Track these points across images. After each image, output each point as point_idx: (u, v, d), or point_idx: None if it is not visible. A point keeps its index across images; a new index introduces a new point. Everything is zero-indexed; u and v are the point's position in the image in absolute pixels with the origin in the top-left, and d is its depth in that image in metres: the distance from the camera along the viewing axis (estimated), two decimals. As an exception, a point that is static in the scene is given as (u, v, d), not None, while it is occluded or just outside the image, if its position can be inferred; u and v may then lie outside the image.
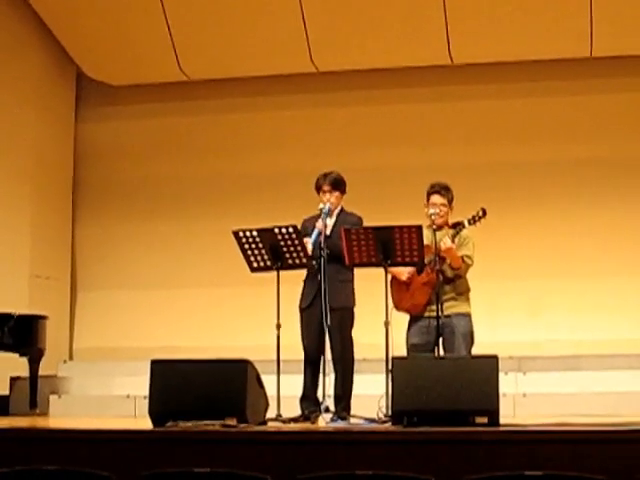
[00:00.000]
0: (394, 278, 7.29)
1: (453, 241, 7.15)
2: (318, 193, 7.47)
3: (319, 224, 7.28)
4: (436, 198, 7.32)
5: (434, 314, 7.11)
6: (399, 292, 7.30)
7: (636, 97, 10.38)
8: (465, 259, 7.22)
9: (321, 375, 7.28)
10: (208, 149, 11.24)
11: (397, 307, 7.24)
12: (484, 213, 7.14)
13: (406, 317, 7.38)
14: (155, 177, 11.30)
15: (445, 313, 7.10)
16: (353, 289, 7.38)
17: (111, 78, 11.32)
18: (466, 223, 7.18)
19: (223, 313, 10.74)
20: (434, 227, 7.11)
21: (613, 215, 10.28)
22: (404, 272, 7.28)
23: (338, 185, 7.45)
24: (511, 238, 10.23)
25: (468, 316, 7.28)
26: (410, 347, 7.25)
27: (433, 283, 7.15)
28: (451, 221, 7.40)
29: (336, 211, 7.44)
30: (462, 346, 7.15)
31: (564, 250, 10.28)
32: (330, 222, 7.37)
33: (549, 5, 9.78)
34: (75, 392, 10.30)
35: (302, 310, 7.39)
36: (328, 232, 7.29)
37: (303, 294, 7.40)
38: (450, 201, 7.36)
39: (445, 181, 7.45)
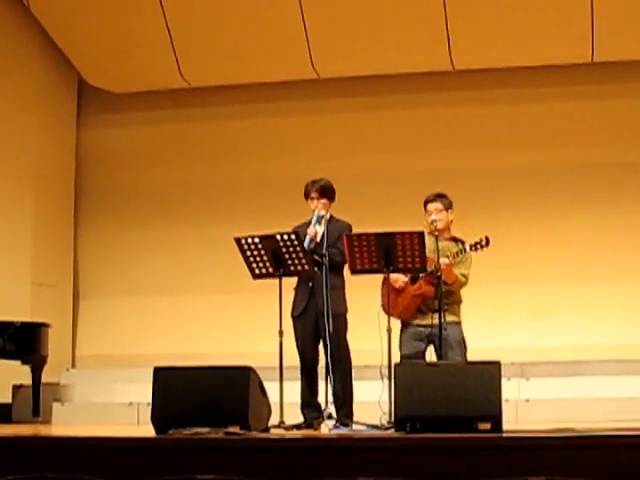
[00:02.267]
0: (386, 281, 7.27)
1: (457, 255, 7.17)
2: (307, 200, 7.50)
3: (310, 230, 7.30)
4: (431, 205, 7.38)
5: (423, 322, 7.18)
6: (391, 296, 7.27)
7: (638, 103, 10.38)
8: (459, 277, 7.24)
9: (322, 382, 7.29)
10: (210, 156, 11.25)
11: (386, 311, 7.22)
12: (487, 242, 7.10)
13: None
14: (157, 184, 11.30)
15: (436, 322, 7.09)
16: (345, 295, 7.38)
17: (112, 85, 11.33)
18: (467, 248, 7.18)
19: (225, 320, 10.74)
20: (436, 233, 7.12)
21: (616, 220, 10.28)
22: (398, 279, 7.29)
23: (326, 192, 7.48)
24: (513, 244, 10.22)
25: (459, 324, 7.32)
26: (401, 358, 7.24)
27: (425, 296, 7.19)
28: (454, 231, 7.42)
29: (325, 218, 7.45)
30: (457, 353, 7.15)
31: (566, 256, 10.27)
32: (320, 229, 7.38)
33: (550, 10, 9.78)
34: (78, 400, 10.29)
35: (295, 318, 7.39)
36: (318, 239, 7.32)
37: (295, 302, 7.41)
38: (447, 207, 7.39)
39: (441, 191, 7.49)
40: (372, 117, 10.91)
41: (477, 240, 7.15)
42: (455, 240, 7.36)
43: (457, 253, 7.17)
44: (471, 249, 7.16)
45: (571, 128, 10.53)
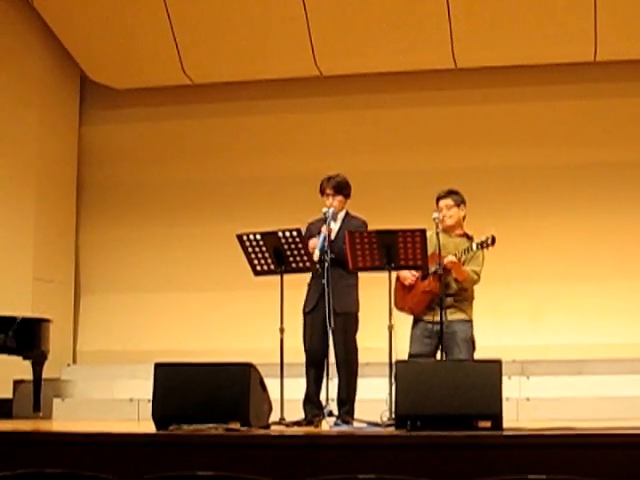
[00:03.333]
0: (398, 279, 7.29)
1: (465, 253, 7.16)
2: (322, 196, 7.47)
3: (324, 228, 7.27)
4: (442, 202, 7.38)
5: (432, 318, 7.14)
6: (401, 292, 7.30)
7: (640, 101, 10.39)
8: (471, 273, 7.21)
9: (325, 379, 7.28)
10: (212, 152, 11.24)
11: (397, 306, 7.23)
12: (493, 241, 7.08)
13: (409, 322, 7.36)
14: (159, 180, 11.30)
15: (446, 319, 7.08)
16: (357, 294, 7.36)
17: (115, 81, 11.33)
18: (474, 247, 7.16)
19: (226, 316, 10.73)
20: (437, 230, 7.11)
21: (618, 219, 10.27)
22: (408, 277, 7.29)
23: (341, 189, 7.43)
24: (515, 242, 10.20)
25: (469, 322, 7.25)
26: (409, 357, 7.22)
27: (434, 293, 7.16)
28: (466, 228, 7.40)
29: (340, 215, 7.43)
30: (463, 352, 7.12)
31: (568, 254, 10.27)
32: (335, 226, 7.35)
33: (553, 9, 9.78)
34: (78, 395, 10.30)
35: (306, 313, 7.38)
36: (333, 236, 7.27)
37: (307, 298, 7.39)
38: (459, 203, 7.38)
39: (452, 187, 7.48)
40: (374, 115, 10.90)
41: (483, 239, 7.14)
42: (467, 237, 7.34)
43: (465, 251, 7.16)
44: (477, 248, 7.15)
45: (574, 126, 10.51)
